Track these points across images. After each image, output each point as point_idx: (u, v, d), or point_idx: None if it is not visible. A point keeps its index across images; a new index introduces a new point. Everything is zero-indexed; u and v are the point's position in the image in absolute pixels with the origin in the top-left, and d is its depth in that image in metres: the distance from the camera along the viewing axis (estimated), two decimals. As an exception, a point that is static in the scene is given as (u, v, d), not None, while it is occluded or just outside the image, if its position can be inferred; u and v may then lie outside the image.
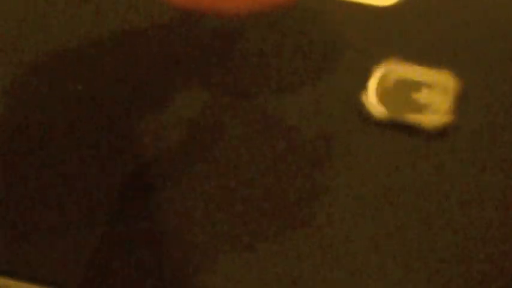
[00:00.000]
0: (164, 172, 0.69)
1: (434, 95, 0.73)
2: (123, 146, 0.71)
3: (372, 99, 0.72)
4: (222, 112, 0.72)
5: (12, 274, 0.64)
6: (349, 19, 0.80)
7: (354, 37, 0.79)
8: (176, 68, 0.76)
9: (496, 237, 0.65)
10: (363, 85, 0.73)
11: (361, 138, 0.71)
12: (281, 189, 0.68)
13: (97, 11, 0.80)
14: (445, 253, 0.65)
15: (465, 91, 0.73)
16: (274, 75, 0.75)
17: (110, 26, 0.79)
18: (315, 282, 0.64)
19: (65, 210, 0.67)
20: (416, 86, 0.73)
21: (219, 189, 0.68)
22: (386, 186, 0.68)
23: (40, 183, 0.69)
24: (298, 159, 0.70)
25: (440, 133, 0.71)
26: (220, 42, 0.77)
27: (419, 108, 0.72)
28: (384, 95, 0.73)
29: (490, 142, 0.71)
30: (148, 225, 0.66)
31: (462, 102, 0.73)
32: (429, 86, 0.73)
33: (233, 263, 0.64)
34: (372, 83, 0.73)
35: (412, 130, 0.71)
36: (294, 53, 0.77)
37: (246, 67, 0.75)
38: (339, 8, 0.81)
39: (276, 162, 0.69)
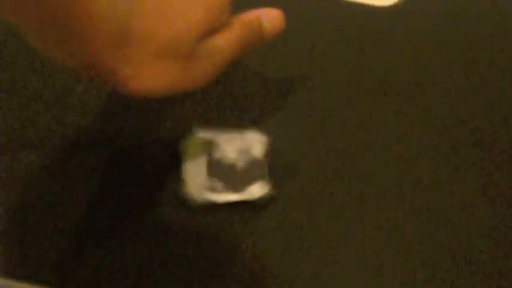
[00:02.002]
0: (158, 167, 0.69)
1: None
2: (123, 147, 0.71)
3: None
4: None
5: (12, 274, 0.64)
6: (349, 19, 0.80)
7: (354, 37, 0.79)
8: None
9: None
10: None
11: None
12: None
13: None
14: None
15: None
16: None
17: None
18: None
19: (66, 211, 0.67)
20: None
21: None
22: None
23: (40, 183, 0.68)
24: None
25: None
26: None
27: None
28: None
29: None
30: (150, 226, 0.66)
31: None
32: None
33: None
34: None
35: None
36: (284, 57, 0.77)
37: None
38: (339, 8, 0.81)
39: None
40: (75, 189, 0.68)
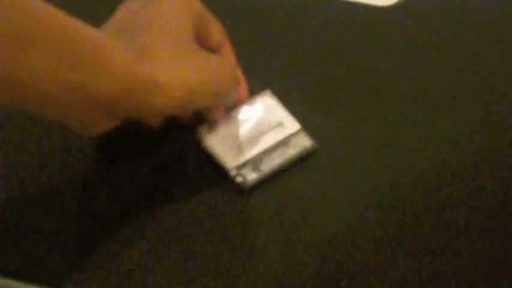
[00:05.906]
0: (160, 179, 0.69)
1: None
2: (124, 147, 0.71)
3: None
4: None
5: (12, 274, 0.64)
6: (349, 19, 0.80)
7: (354, 37, 0.79)
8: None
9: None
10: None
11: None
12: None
13: (97, 13, 0.80)
14: None
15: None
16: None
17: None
18: None
19: (66, 211, 0.67)
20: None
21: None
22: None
23: (41, 183, 0.68)
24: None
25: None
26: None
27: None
28: None
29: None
30: (151, 224, 0.66)
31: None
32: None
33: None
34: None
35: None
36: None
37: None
38: (339, 8, 0.81)
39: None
40: (76, 189, 0.68)
